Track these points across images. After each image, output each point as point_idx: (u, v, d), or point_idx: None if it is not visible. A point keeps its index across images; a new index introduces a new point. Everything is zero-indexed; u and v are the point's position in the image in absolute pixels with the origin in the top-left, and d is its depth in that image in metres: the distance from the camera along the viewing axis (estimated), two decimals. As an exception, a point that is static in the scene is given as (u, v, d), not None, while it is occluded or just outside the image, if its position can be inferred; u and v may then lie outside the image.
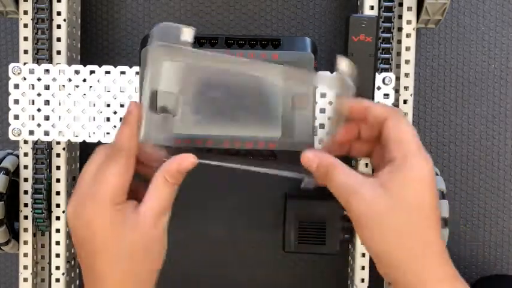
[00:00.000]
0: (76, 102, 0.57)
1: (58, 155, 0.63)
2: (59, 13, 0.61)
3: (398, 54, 0.62)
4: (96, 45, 0.71)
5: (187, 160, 0.47)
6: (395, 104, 0.60)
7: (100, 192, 0.46)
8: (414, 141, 0.45)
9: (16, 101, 0.58)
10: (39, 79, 0.58)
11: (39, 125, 0.58)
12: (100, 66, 0.57)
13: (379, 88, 0.57)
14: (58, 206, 0.63)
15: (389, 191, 0.44)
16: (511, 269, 0.72)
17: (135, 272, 0.46)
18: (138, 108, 0.48)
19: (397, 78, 0.61)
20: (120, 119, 0.57)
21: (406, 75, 0.61)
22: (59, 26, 0.62)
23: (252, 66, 0.52)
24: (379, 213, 0.44)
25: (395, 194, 0.44)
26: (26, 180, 0.62)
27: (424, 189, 0.44)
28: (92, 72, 0.57)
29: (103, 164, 0.47)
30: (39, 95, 0.58)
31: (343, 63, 0.47)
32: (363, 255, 0.63)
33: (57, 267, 0.64)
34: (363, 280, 0.63)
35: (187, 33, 0.48)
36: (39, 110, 0.58)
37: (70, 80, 0.57)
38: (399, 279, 0.44)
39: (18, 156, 0.63)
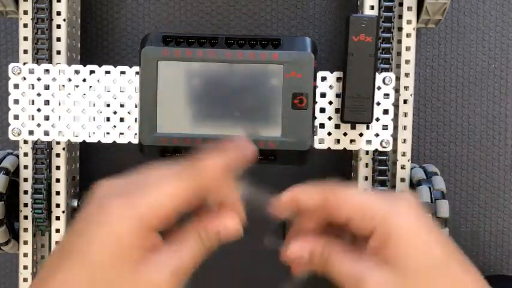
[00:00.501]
0: (76, 102, 0.57)
1: (58, 155, 0.63)
2: (58, 13, 0.61)
3: (399, 54, 0.62)
4: (96, 45, 0.71)
5: (232, 222, 0.39)
6: (396, 104, 0.60)
7: (144, 195, 0.35)
8: (373, 198, 0.37)
9: (16, 101, 0.58)
10: (39, 79, 0.58)
11: (39, 125, 0.58)
12: (100, 66, 0.57)
13: (379, 88, 0.57)
14: (58, 206, 0.63)
15: (397, 267, 0.36)
16: (511, 269, 0.72)
17: None
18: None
19: (397, 78, 0.61)
20: (121, 119, 0.57)
21: (406, 75, 0.61)
22: (58, 26, 0.62)
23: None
24: None
25: (405, 267, 0.35)
26: (25, 180, 0.62)
27: (431, 238, 0.36)
28: (91, 72, 0.57)
29: (172, 174, 0.36)
30: (39, 95, 0.58)
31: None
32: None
33: (57, 267, 0.64)
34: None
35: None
36: (39, 110, 0.58)
37: (70, 79, 0.57)
38: None
39: (18, 156, 0.63)
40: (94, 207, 0.35)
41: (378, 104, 0.57)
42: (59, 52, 0.62)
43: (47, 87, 0.58)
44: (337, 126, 0.57)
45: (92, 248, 0.33)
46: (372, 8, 0.61)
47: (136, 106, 0.56)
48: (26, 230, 0.63)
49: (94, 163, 0.69)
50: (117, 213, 0.33)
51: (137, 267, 0.34)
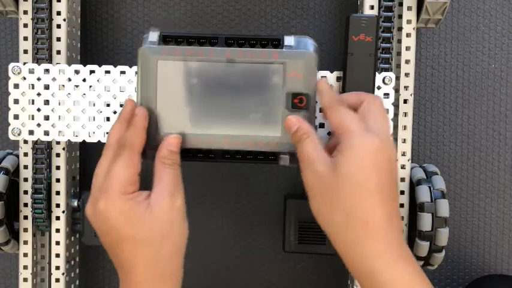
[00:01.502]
0: (76, 102, 0.57)
1: (58, 155, 0.63)
2: (58, 13, 0.61)
3: (399, 53, 0.62)
4: (96, 45, 0.71)
5: (172, 139, 0.51)
6: (395, 104, 0.60)
7: (111, 186, 0.48)
8: (351, 120, 0.48)
9: (16, 101, 0.58)
10: (39, 79, 0.58)
11: (39, 125, 0.58)
12: (100, 66, 0.57)
13: (379, 88, 0.57)
14: (58, 206, 0.63)
15: (335, 168, 0.46)
16: (511, 269, 0.72)
17: (157, 257, 0.48)
18: (144, 111, 0.52)
19: (397, 78, 0.61)
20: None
21: (406, 74, 0.61)
22: (58, 26, 0.62)
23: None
24: (328, 188, 0.46)
25: (342, 173, 0.46)
26: (25, 180, 0.62)
27: (371, 166, 0.46)
28: (91, 72, 0.57)
29: (111, 161, 0.49)
30: (39, 94, 0.58)
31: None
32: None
33: (57, 267, 0.64)
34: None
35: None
36: (39, 109, 0.58)
37: (70, 79, 0.57)
38: (348, 260, 0.46)
39: (18, 156, 0.63)
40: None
41: (378, 103, 0.57)
42: (59, 52, 0.62)
43: (47, 87, 0.58)
44: (337, 126, 0.57)
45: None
46: (372, 7, 0.61)
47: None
48: (26, 230, 0.63)
49: (94, 163, 0.69)
50: (104, 200, 0.48)
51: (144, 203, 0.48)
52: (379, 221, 0.45)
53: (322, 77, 0.56)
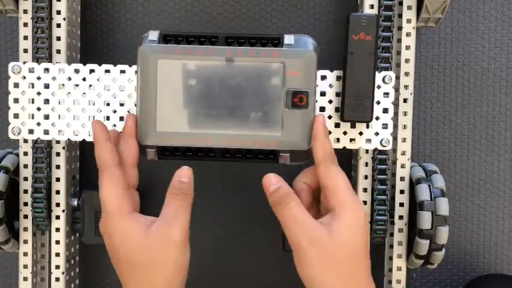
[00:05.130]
0: (76, 101, 0.57)
1: (58, 154, 0.63)
2: (58, 12, 0.62)
3: (398, 53, 0.62)
4: (96, 45, 0.71)
5: (183, 170, 0.51)
6: (395, 103, 0.60)
7: (106, 210, 0.50)
8: (346, 189, 0.51)
9: (16, 100, 0.58)
10: (38, 78, 0.58)
11: (38, 124, 0.58)
12: (100, 65, 0.57)
13: (379, 87, 0.57)
14: (58, 205, 0.63)
15: (332, 236, 0.49)
16: (511, 269, 0.72)
17: (149, 284, 0.49)
18: (102, 127, 0.53)
19: (397, 77, 0.61)
20: (121, 118, 0.57)
21: (406, 74, 0.61)
22: (58, 25, 0.62)
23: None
24: (325, 254, 0.48)
25: (337, 239, 0.49)
26: (25, 179, 0.62)
27: (361, 236, 0.50)
28: (91, 71, 0.57)
29: (99, 185, 0.51)
30: (39, 93, 0.58)
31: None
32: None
33: (57, 267, 0.64)
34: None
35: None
36: (38, 108, 0.58)
37: (70, 78, 0.57)
38: None
39: (18, 155, 0.63)
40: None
41: (378, 102, 0.57)
42: (58, 51, 0.62)
43: (46, 86, 0.58)
44: (337, 125, 0.57)
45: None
46: (372, 7, 0.61)
47: (135, 105, 0.56)
48: (25, 229, 0.63)
49: (94, 162, 0.69)
50: (104, 220, 0.51)
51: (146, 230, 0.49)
52: (367, 280, 0.50)
53: (322, 76, 0.56)
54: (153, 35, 0.53)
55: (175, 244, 0.48)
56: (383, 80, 0.57)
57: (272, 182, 0.51)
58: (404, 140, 0.62)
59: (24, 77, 0.58)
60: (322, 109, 0.57)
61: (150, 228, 0.49)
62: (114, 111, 0.57)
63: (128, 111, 0.57)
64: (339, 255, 0.49)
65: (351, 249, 0.49)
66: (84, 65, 0.57)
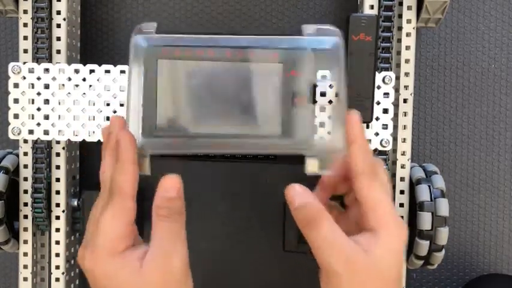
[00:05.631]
0: (76, 102, 0.57)
1: (58, 154, 0.63)
2: (58, 12, 0.61)
3: (398, 53, 0.62)
4: (96, 45, 0.71)
5: (167, 181, 0.42)
6: (395, 104, 0.60)
7: (98, 243, 0.41)
8: (390, 207, 0.44)
9: (16, 100, 0.58)
10: (38, 78, 0.58)
11: (38, 124, 0.58)
12: (100, 65, 0.57)
13: (379, 87, 0.57)
14: (58, 205, 0.63)
15: (369, 259, 0.42)
16: (511, 269, 0.72)
17: None
18: (130, 137, 0.43)
19: (397, 78, 0.61)
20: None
21: (406, 74, 0.61)
22: (58, 25, 0.62)
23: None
24: (358, 277, 0.42)
25: (374, 261, 0.42)
26: (25, 179, 0.62)
27: (400, 261, 0.44)
28: (91, 71, 0.57)
29: (101, 208, 0.42)
30: (38, 94, 0.58)
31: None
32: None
33: (57, 267, 0.64)
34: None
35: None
36: (38, 109, 0.58)
37: (70, 79, 0.57)
38: None
39: (18, 156, 0.63)
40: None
41: (378, 103, 0.57)
42: (58, 51, 0.62)
43: (46, 87, 0.58)
44: (337, 125, 0.57)
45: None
46: (372, 7, 0.61)
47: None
48: (25, 229, 0.63)
49: (94, 162, 0.69)
50: (91, 258, 0.41)
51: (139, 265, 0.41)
52: None
53: (321, 76, 0.56)
54: (149, 26, 0.52)
55: (176, 274, 0.42)
56: (383, 80, 0.57)
57: (297, 193, 0.44)
58: (404, 140, 0.62)
59: (24, 77, 0.58)
60: (322, 109, 0.57)
61: (143, 263, 0.41)
62: (114, 112, 0.57)
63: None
64: (375, 282, 0.43)
65: (388, 276, 0.43)
66: (84, 65, 0.57)
